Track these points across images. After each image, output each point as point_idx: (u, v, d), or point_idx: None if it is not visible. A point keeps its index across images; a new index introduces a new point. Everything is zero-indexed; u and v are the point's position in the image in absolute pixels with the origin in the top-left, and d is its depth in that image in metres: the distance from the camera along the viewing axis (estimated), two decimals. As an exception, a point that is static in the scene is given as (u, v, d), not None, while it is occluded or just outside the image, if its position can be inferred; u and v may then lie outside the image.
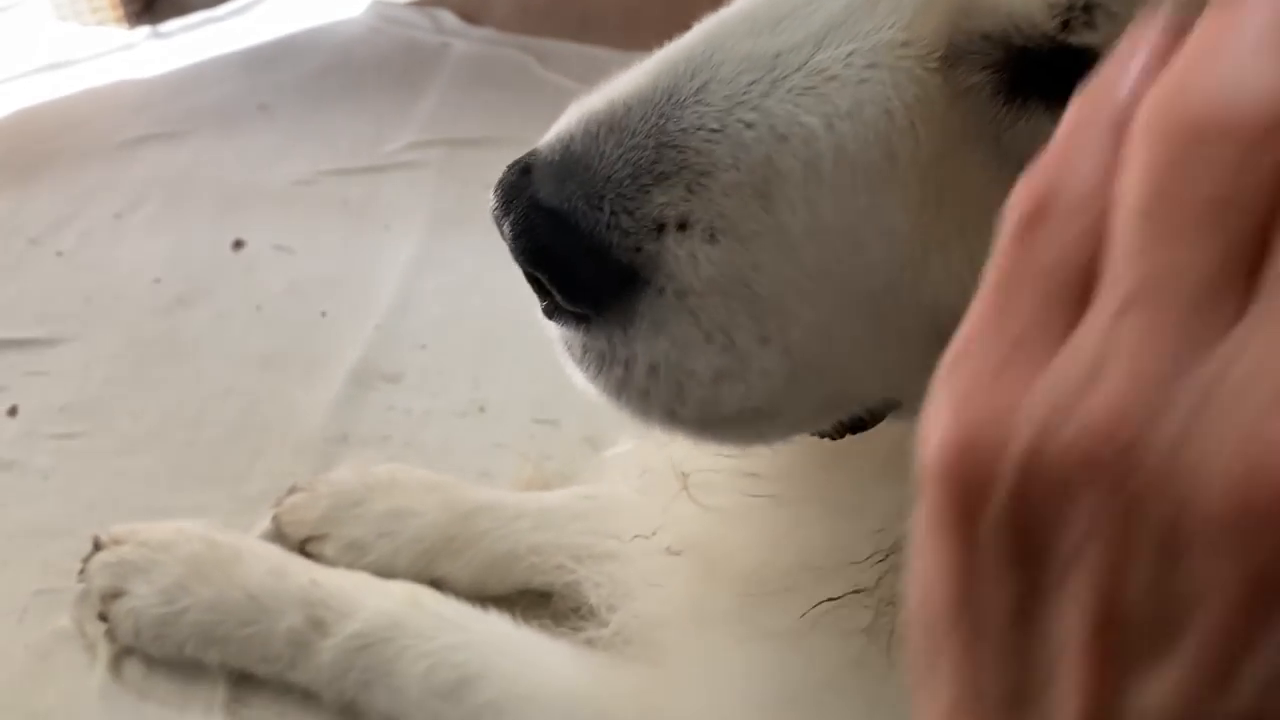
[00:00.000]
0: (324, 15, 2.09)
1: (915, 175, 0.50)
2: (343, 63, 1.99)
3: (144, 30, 1.99)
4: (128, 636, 1.07)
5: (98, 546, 1.11)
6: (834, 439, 0.62)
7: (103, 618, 1.08)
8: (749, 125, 0.50)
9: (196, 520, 1.14)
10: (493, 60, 2.02)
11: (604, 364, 0.55)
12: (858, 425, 0.61)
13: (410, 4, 2.15)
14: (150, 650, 1.07)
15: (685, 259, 0.51)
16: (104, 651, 1.09)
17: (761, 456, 0.70)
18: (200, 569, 1.07)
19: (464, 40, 2.07)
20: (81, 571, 1.11)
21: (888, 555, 0.61)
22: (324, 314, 1.49)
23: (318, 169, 1.74)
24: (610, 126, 0.51)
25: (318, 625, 1.03)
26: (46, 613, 1.12)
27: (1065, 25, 0.46)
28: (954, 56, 0.49)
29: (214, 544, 1.09)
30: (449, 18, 2.12)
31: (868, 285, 0.52)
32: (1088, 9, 0.45)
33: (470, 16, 2.16)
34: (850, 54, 0.49)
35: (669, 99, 0.51)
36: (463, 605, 1.05)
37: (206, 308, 1.49)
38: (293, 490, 1.20)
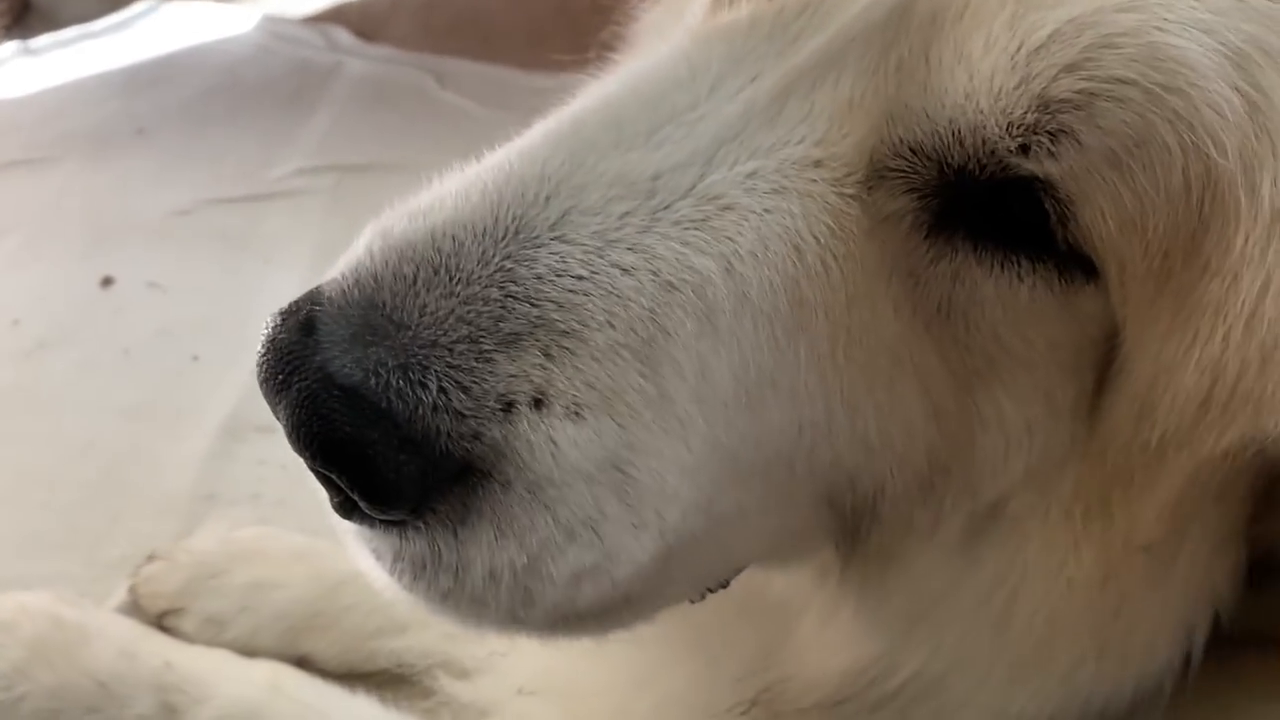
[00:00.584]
0: (210, 32, 2.00)
1: (825, 323, 0.43)
2: (229, 84, 1.91)
3: (12, 45, 1.89)
4: (-39, 726, 0.99)
5: (-71, 625, 1.03)
6: (693, 602, 0.54)
7: (-67, 706, 1.00)
8: (626, 270, 0.41)
9: (47, 591, 1.06)
10: (389, 80, 1.95)
11: (424, 572, 0.43)
12: (715, 587, 0.54)
13: (303, 20, 2.07)
14: (-14, 742, 0.99)
15: (542, 445, 0.41)
16: (-64, 742, 1.00)
17: None
18: (43, 652, 0.99)
19: (359, 59, 2.01)
20: (-86, 650, 1.02)
21: (750, 707, 0.55)
22: (196, 358, 1.41)
23: (197, 198, 1.66)
24: (435, 268, 0.40)
25: (170, 712, 0.96)
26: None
27: (1024, 149, 0.40)
28: (876, 177, 0.43)
29: (60, 623, 1.01)
30: (344, 35, 2.04)
31: (762, 454, 0.44)
32: (1054, 135, 0.39)
33: (368, 34, 2.09)
34: (750, 175, 0.42)
35: (517, 233, 0.41)
36: (328, 688, 0.99)
37: (69, 353, 1.40)
38: (151, 558, 1.12)
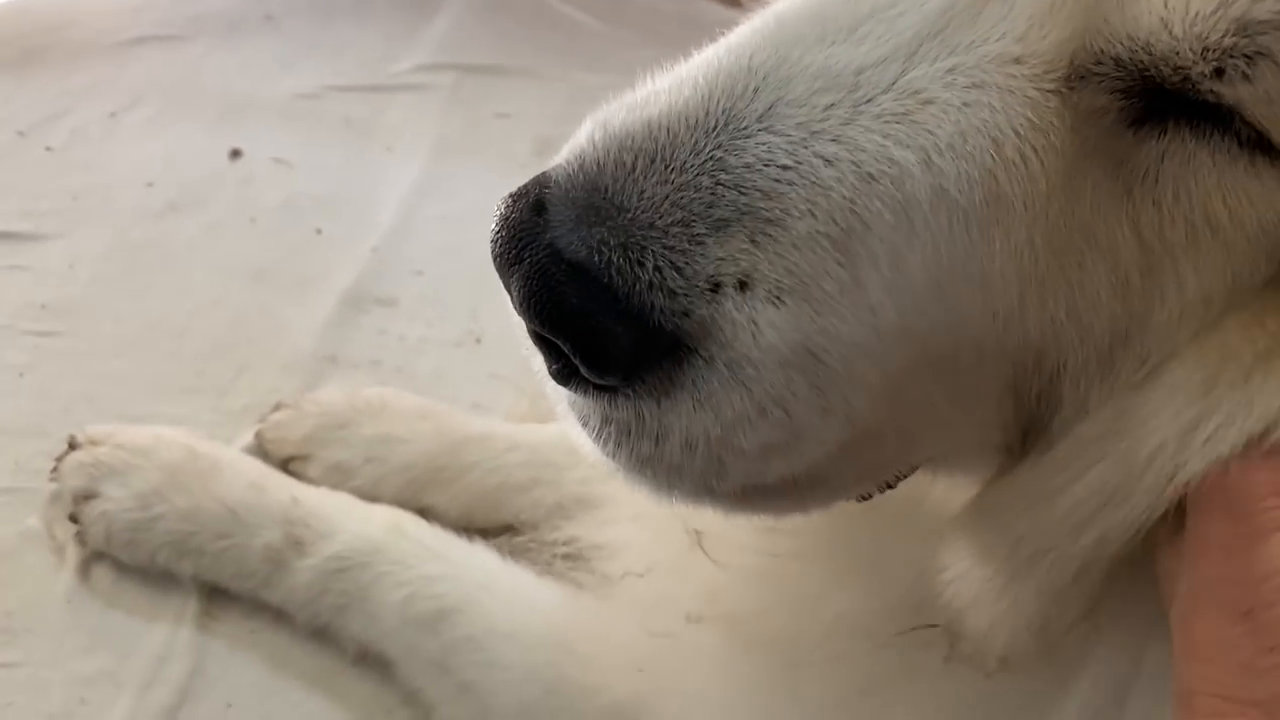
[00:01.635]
0: (338, -71, 2.02)
1: (1022, 213, 0.44)
2: (354, -21, 1.93)
3: (151, -72, 1.92)
4: (98, 541, 1.03)
5: (73, 446, 1.08)
6: (861, 500, 0.55)
7: (73, 520, 1.05)
8: (828, 161, 0.42)
9: (177, 429, 1.10)
10: (509, -11, 1.96)
11: (628, 438, 0.46)
12: (886, 485, 0.55)
13: (427, -75, 2.09)
14: (121, 557, 1.04)
15: (744, 325, 0.42)
16: (73, 555, 1.05)
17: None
18: (178, 477, 1.03)
19: (481, -33, 2.01)
20: (54, 471, 1.07)
21: (926, 632, 0.55)
22: (319, 231, 1.44)
23: (322, 84, 1.69)
24: (651, 157, 0.42)
25: (295, 544, 1.00)
26: (14, 512, 1.09)
27: (1218, 72, 0.40)
28: (1076, 77, 0.43)
29: (194, 453, 1.05)
30: (467, -57, 2.05)
31: (951, 341, 0.45)
32: (1251, 58, 0.39)
33: (489, -56, 2.09)
34: (950, 70, 0.42)
35: (726, 124, 0.42)
36: (447, 535, 1.02)
37: (199, 216, 1.44)
38: (278, 407, 1.17)
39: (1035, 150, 0.43)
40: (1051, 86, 0.43)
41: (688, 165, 0.42)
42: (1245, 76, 0.40)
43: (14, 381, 1.21)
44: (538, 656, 0.92)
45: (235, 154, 1.54)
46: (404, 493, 1.08)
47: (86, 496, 1.04)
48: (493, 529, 1.08)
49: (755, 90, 0.43)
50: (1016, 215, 0.44)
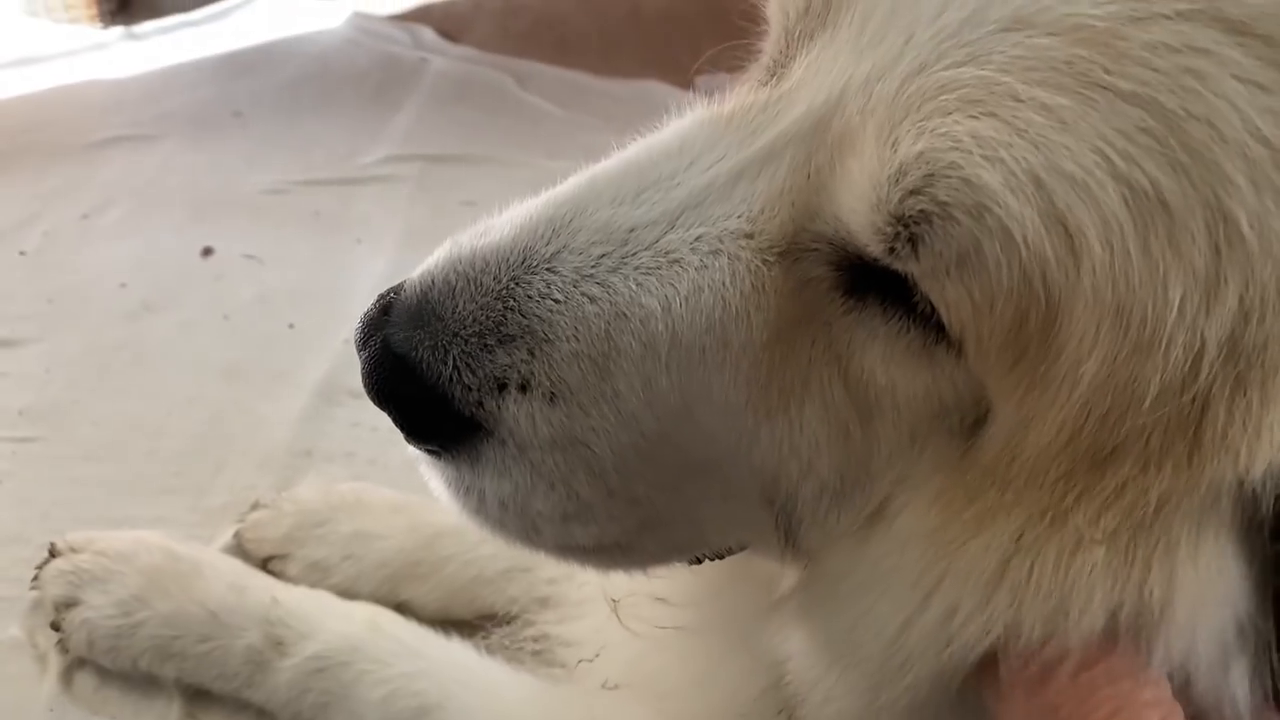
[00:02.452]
0: (302, 25, 2.08)
1: (748, 358, 0.52)
2: (319, 73, 1.99)
3: (117, 30, 1.98)
4: (81, 648, 1.05)
5: (53, 554, 1.09)
6: (693, 564, 0.65)
7: (55, 627, 1.06)
8: (592, 300, 0.52)
9: (156, 531, 1.12)
10: (471, 78, 2.03)
11: (458, 492, 0.58)
12: (717, 555, 0.64)
13: (390, 19, 2.15)
14: (103, 663, 1.05)
15: (524, 418, 0.53)
16: (55, 662, 1.06)
17: (668, 580, 0.71)
18: (159, 581, 1.05)
19: (443, 57, 2.08)
20: (35, 579, 1.09)
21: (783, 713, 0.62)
22: (292, 326, 1.48)
23: (290, 179, 1.74)
24: (467, 280, 0.53)
25: (277, 645, 1.02)
26: (-4, 620, 1.10)
27: (890, 251, 0.47)
28: (796, 252, 0.52)
29: (174, 556, 1.07)
30: (429, 34, 2.12)
31: (706, 453, 0.55)
32: (910, 241, 0.46)
33: (450, 34, 2.16)
34: (698, 238, 0.51)
35: (523, 261, 0.53)
36: (424, 631, 1.04)
37: (173, 315, 1.47)
38: (256, 506, 1.19)
39: (755, 309, 0.52)
40: (773, 258, 0.51)
41: (489, 290, 0.53)
42: (912, 255, 0.47)
43: (-7, 489, 1.23)
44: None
45: (207, 251, 1.57)
46: (381, 588, 1.10)
47: (68, 604, 1.05)
48: (469, 619, 1.10)
49: (550, 237, 0.53)
50: (740, 361, 0.53)
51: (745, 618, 0.67)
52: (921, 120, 0.45)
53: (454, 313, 0.52)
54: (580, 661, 0.90)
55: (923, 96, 0.45)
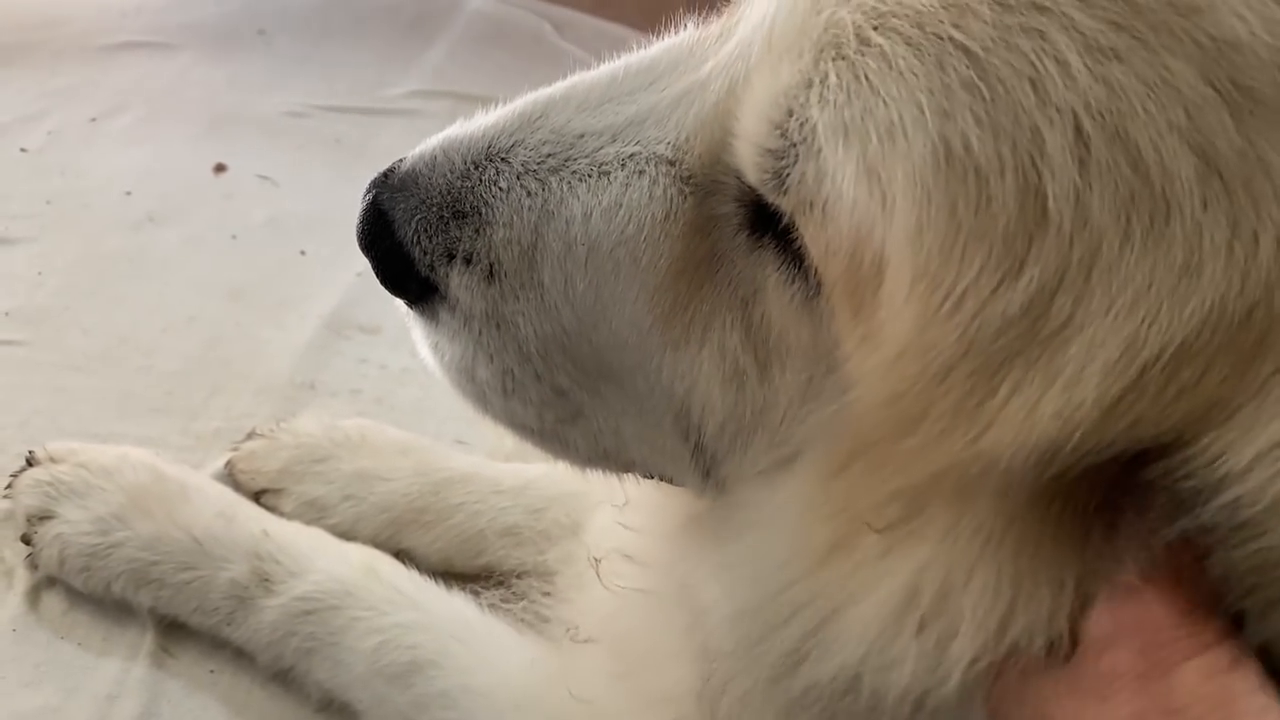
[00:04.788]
0: (336, -50, 1.99)
1: (655, 280, 0.54)
2: (350, 1, 1.90)
3: (144, -66, 1.88)
4: (51, 565, 0.97)
5: (30, 463, 1.01)
6: (618, 475, 0.66)
7: (26, 541, 0.98)
8: (529, 194, 0.55)
9: (143, 450, 1.04)
10: (507, 21, 1.94)
11: (429, 346, 0.62)
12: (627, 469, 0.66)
13: (428, -47, 2.07)
14: (75, 583, 0.97)
15: (465, 290, 0.57)
16: (22, 579, 0.99)
17: (637, 538, 0.72)
18: (142, 502, 0.97)
19: (480, -2, 1.99)
20: (8, 488, 1.01)
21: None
22: (303, 253, 1.40)
23: (312, 103, 1.65)
24: (445, 157, 0.57)
25: (264, 581, 0.95)
26: (-40, 531, 1.02)
27: (765, 184, 0.48)
28: (709, 185, 0.52)
29: (161, 476, 1.00)
30: (467, -29, 2.03)
31: (620, 360, 0.57)
32: (778, 175, 0.46)
33: (489, -25, 2.08)
34: (630, 156, 0.53)
35: (486, 149, 0.56)
36: (424, 581, 0.97)
37: (178, 229, 1.39)
38: (252, 435, 1.11)
39: (664, 235, 0.53)
40: (690, 190, 0.52)
41: (456, 169, 0.56)
42: (781, 190, 0.47)
43: (-31, 391, 1.15)
44: (511, 718, 0.87)
45: (219, 168, 1.49)
46: (382, 533, 1.03)
47: (41, 517, 0.98)
48: (469, 573, 1.03)
49: (514, 131, 0.56)
50: (648, 282, 0.54)
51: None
52: (795, 58, 0.45)
53: (427, 184, 0.56)
54: (569, 629, 0.85)
55: (804, 35, 0.45)
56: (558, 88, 0.57)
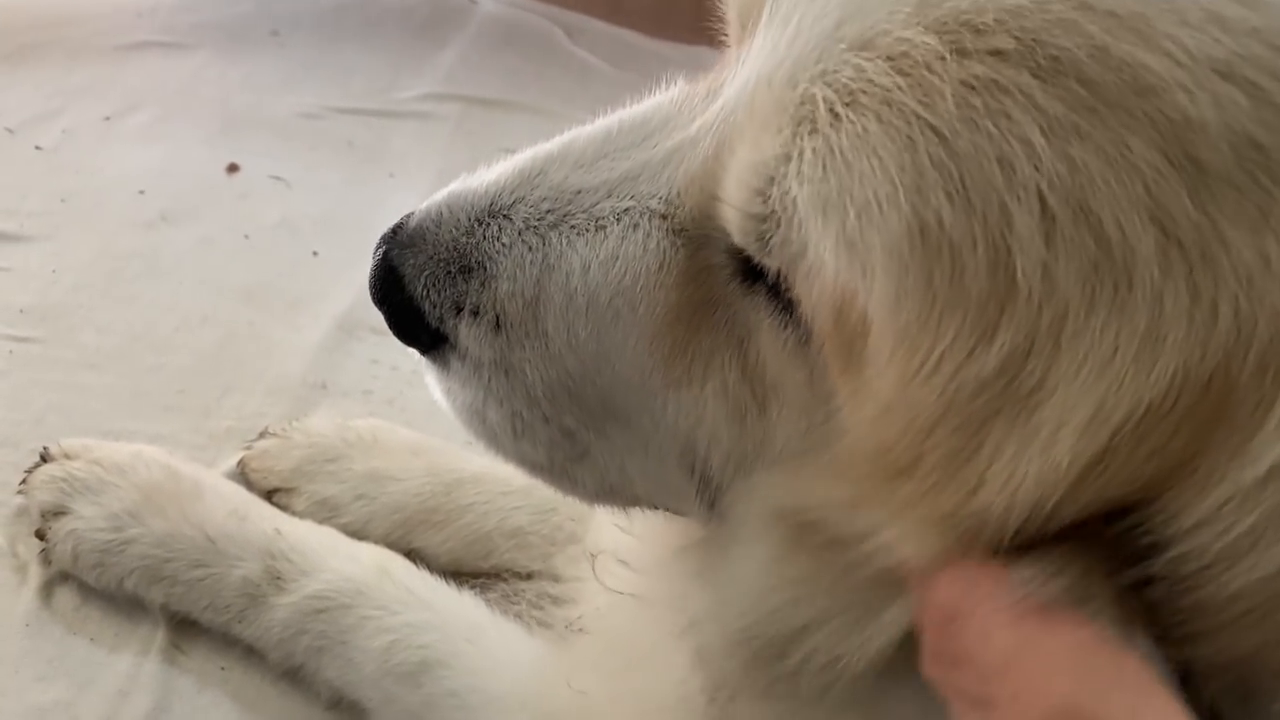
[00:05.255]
0: (349, -47, 2.00)
1: (654, 326, 0.56)
2: (362, 2, 1.90)
3: (159, -65, 1.89)
4: (65, 561, 0.98)
5: (45, 459, 1.02)
6: (624, 510, 0.68)
7: (40, 536, 0.99)
8: (530, 249, 0.57)
9: (157, 448, 1.05)
10: (520, 25, 1.95)
11: (443, 391, 0.64)
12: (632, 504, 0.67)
13: (441, -44, 2.07)
14: (88, 579, 0.98)
15: (473, 340, 0.59)
16: (35, 575, 0.99)
17: (634, 543, 0.74)
18: (156, 499, 0.98)
19: (492, 2, 2.00)
20: (22, 484, 1.01)
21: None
22: (316, 253, 1.40)
23: (325, 104, 1.66)
24: (451, 213, 0.59)
25: (275, 579, 0.95)
26: (-27, 525, 1.02)
27: (751, 244, 0.49)
28: (700, 238, 0.54)
29: (175, 475, 1.00)
30: (479, -24, 2.04)
31: (625, 401, 0.58)
32: (761, 237, 0.48)
33: (501, -21, 2.08)
34: (625, 210, 0.55)
35: (489, 205, 0.58)
36: (435, 581, 0.97)
37: (191, 229, 1.40)
38: (264, 434, 1.12)
39: (659, 285, 0.55)
40: (682, 242, 0.54)
41: (461, 226, 0.58)
42: (765, 252, 0.48)
43: (-17, 387, 1.15)
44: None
45: (233, 168, 1.50)
46: (393, 533, 1.03)
47: (55, 513, 0.98)
48: (481, 574, 1.03)
49: (514, 188, 0.58)
50: (646, 328, 0.56)
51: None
52: (774, 132, 0.47)
53: (434, 240, 0.58)
54: (569, 626, 0.87)
55: (782, 109, 0.46)
56: (556, 143, 0.59)
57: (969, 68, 0.41)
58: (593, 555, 0.78)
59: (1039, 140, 0.40)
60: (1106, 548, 0.43)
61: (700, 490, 0.59)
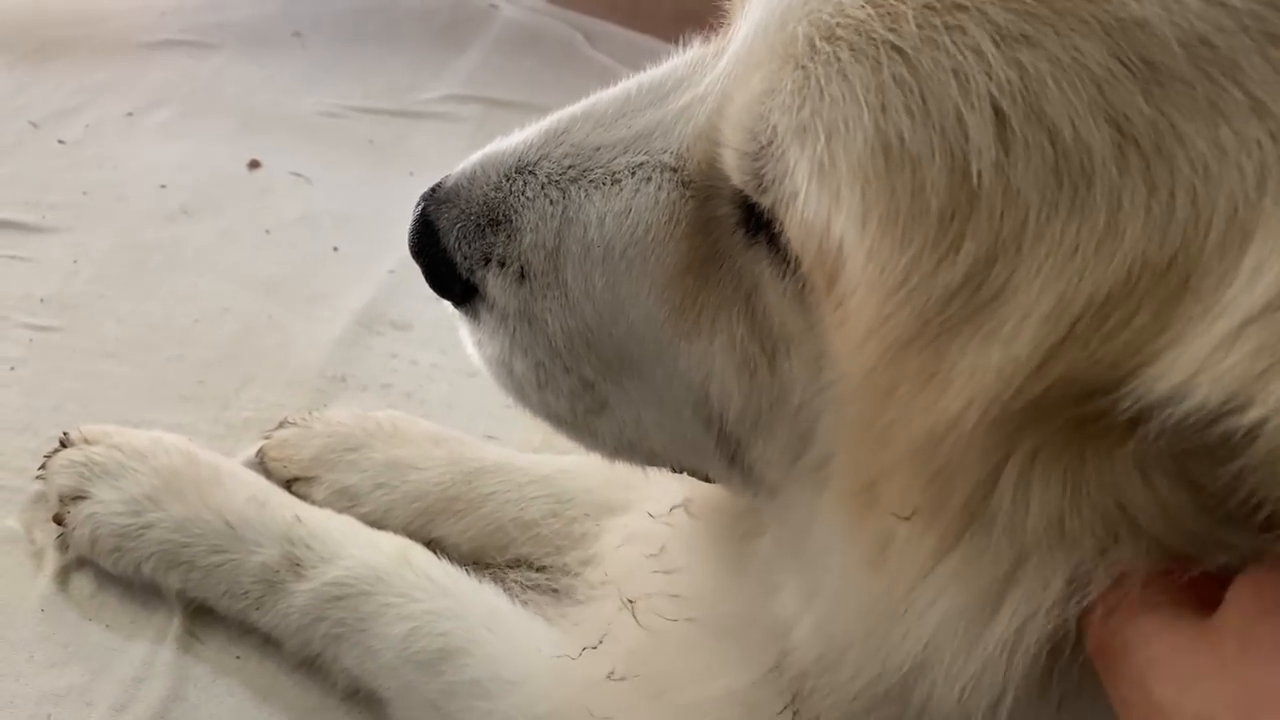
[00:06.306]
0: (372, -44, 2.01)
1: (664, 277, 0.58)
2: (384, 5, 1.92)
3: (183, -63, 1.90)
4: (82, 546, 0.97)
5: (65, 444, 1.01)
6: (644, 469, 0.70)
7: (58, 521, 0.98)
8: (552, 202, 0.59)
9: (177, 435, 1.04)
10: (540, 30, 1.96)
11: (475, 343, 0.67)
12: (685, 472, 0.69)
13: (462, -38, 2.08)
14: (105, 564, 0.97)
15: (500, 290, 0.62)
16: (52, 560, 0.98)
17: (683, 578, 0.75)
18: (175, 485, 0.97)
19: (512, 6, 2.01)
20: (41, 469, 1.01)
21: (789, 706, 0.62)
22: (336, 249, 1.40)
23: (347, 104, 1.66)
24: (483, 170, 0.62)
25: (294, 565, 0.94)
26: (-8, 511, 1.02)
27: (748, 184, 0.51)
28: (708, 189, 0.56)
29: (194, 460, 0.99)
30: (500, -18, 2.05)
31: (640, 352, 0.60)
32: (757, 176, 0.50)
33: (522, -15, 2.09)
34: (640, 165, 0.57)
35: (517, 163, 0.60)
36: (455, 570, 0.96)
37: (212, 222, 1.40)
38: (284, 424, 1.11)
39: (669, 236, 0.57)
40: (691, 193, 0.56)
41: (491, 182, 0.61)
42: (761, 189, 0.49)
43: (4, 375, 1.15)
44: (541, 709, 0.86)
45: (254, 164, 1.50)
46: (413, 522, 1.02)
47: (74, 497, 0.98)
48: (501, 564, 1.02)
49: (540, 146, 0.60)
50: (658, 280, 0.58)
51: (744, 605, 0.67)
52: (763, 70, 0.48)
53: (467, 196, 0.61)
54: (584, 649, 0.84)
55: (772, 49, 0.48)
56: (580, 105, 0.62)
57: None
58: (630, 601, 0.77)
59: (990, 49, 0.41)
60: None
61: (720, 444, 0.61)
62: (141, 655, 0.95)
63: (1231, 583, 0.41)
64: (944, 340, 0.43)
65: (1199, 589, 0.42)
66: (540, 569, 1.01)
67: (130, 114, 1.54)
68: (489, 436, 1.16)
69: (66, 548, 0.98)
